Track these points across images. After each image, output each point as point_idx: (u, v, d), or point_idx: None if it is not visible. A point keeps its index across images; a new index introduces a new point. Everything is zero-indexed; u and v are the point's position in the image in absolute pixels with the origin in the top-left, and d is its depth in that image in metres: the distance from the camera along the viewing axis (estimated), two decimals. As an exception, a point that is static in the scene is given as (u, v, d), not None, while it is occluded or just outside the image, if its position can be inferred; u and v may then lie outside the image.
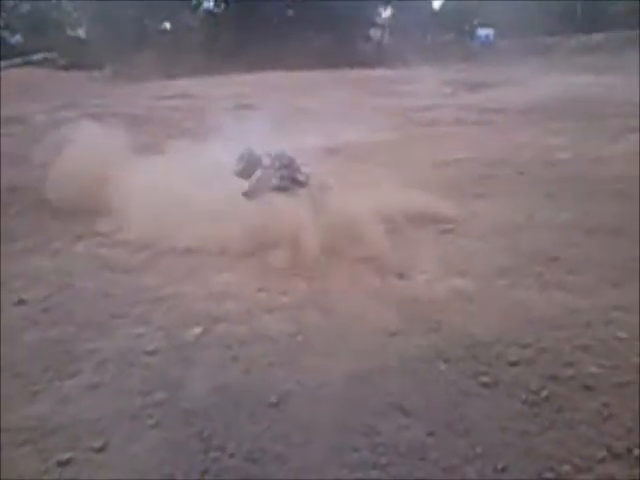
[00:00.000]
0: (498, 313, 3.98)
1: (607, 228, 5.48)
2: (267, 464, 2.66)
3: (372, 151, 9.46)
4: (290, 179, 5.67)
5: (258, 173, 5.63)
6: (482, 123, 12.14)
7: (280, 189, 5.53)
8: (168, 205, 5.61)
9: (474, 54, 32.70)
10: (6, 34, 36.92)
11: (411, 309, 4.09)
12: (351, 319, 4.00)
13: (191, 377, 3.39)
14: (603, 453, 2.61)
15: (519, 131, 10.91)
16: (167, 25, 39.89)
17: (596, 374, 3.21)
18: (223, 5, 38.11)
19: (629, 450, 2.62)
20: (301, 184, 5.69)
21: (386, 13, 40.61)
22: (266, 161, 5.71)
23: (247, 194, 5.51)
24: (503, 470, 2.55)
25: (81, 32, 39.58)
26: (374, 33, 40.23)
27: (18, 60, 30.41)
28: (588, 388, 3.09)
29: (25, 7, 38.28)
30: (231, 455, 2.72)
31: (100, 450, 2.79)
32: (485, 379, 3.21)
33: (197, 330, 3.93)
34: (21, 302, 4.50)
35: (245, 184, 5.61)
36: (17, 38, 37.43)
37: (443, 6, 43.18)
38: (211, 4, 38.59)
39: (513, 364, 3.35)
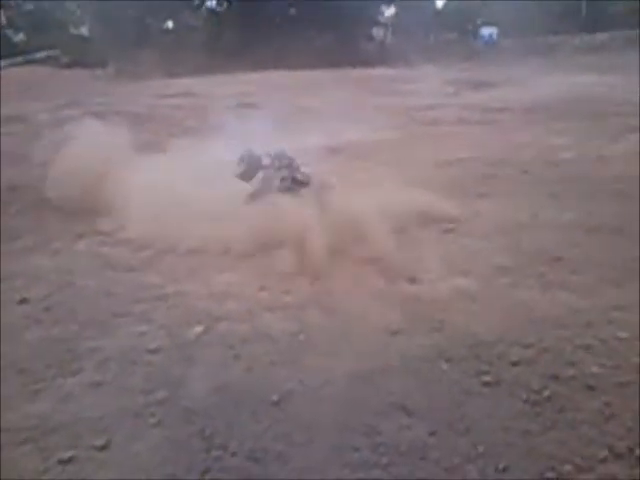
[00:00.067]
0: (500, 313, 3.98)
1: (610, 228, 5.47)
2: (269, 463, 2.66)
3: (375, 150, 9.45)
4: (291, 179, 5.68)
5: (260, 176, 5.63)
6: (485, 122, 12.13)
7: (282, 190, 5.53)
8: (170, 204, 5.60)
9: (477, 53, 32.67)
10: (9, 32, 36.94)
11: (413, 308, 4.09)
12: (353, 318, 4.00)
13: (193, 376, 3.39)
14: (605, 453, 2.61)
15: (522, 131, 10.89)
16: (170, 24, 39.92)
17: (598, 374, 3.21)
18: (226, 4, 38.12)
19: (631, 450, 2.61)
20: (302, 184, 5.69)
21: (389, 12, 40.62)
22: (266, 162, 5.72)
23: (251, 198, 5.51)
24: (505, 470, 2.55)
25: (84, 30, 39.60)
26: (377, 32, 40.20)
27: (21, 58, 30.43)
28: (590, 388, 3.09)
29: (28, 5, 38.30)
30: (233, 454, 2.72)
31: (102, 448, 2.79)
32: (487, 378, 3.21)
33: (199, 329, 3.93)
34: (23, 301, 4.51)
35: (246, 186, 5.62)
36: (20, 36, 37.46)
37: (446, 5, 43.15)
38: (214, 3, 38.63)
39: (515, 364, 3.35)
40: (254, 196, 5.53)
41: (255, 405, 3.07)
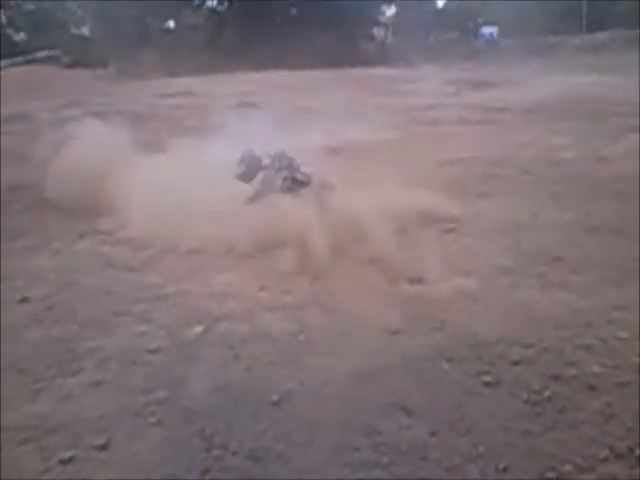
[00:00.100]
0: (501, 313, 3.98)
1: (610, 228, 5.47)
2: (269, 463, 2.66)
3: (375, 150, 9.45)
4: (291, 179, 5.68)
5: (260, 177, 5.63)
6: (485, 122, 12.12)
7: (283, 191, 5.53)
8: (170, 204, 5.60)
9: (477, 53, 32.64)
10: (10, 32, 36.95)
11: (414, 308, 4.09)
12: (353, 318, 4.00)
13: (193, 375, 3.39)
14: (605, 453, 2.60)
15: (522, 130, 10.89)
16: (171, 23, 39.94)
17: (598, 374, 3.20)
18: (226, 4, 38.13)
19: (631, 450, 2.61)
20: (303, 184, 5.69)
21: (389, 12, 40.63)
22: (266, 162, 5.72)
23: (252, 199, 5.51)
24: (505, 470, 2.55)
25: (85, 30, 39.61)
26: (377, 32, 40.19)
27: (22, 58, 30.42)
28: (590, 388, 3.08)
29: (29, 5, 38.30)
30: (233, 454, 2.72)
31: (102, 448, 2.79)
32: (488, 378, 3.21)
33: (199, 328, 3.93)
34: (24, 300, 4.52)
35: (247, 187, 5.61)
36: (21, 36, 37.46)
37: (447, 5, 43.17)
38: (214, 3, 38.63)
39: (516, 363, 3.35)
40: (255, 197, 5.52)
41: (255, 405, 3.07)
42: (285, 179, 5.67)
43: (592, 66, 21.37)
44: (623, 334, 3.59)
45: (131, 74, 26.74)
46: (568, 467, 2.53)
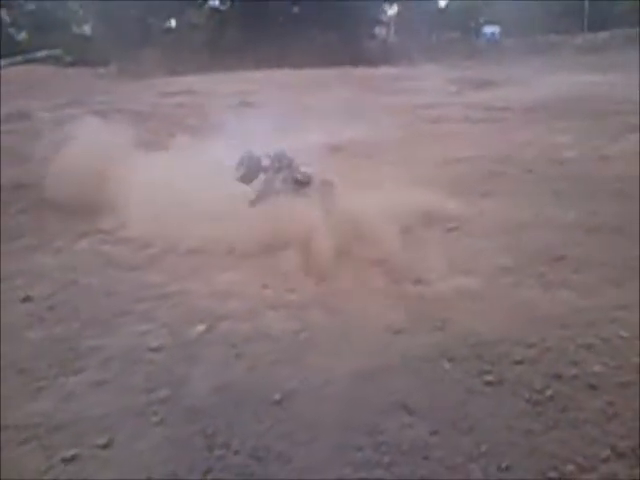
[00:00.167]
0: (503, 312, 3.98)
1: (612, 227, 5.46)
2: (271, 462, 2.66)
3: (378, 149, 9.43)
4: (292, 180, 5.67)
5: (261, 179, 5.63)
6: (488, 121, 12.09)
7: (284, 191, 5.53)
8: (172, 203, 5.60)
9: (479, 52, 32.57)
10: (12, 31, 36.94)
11: (416, 307, 4.09)
12: (355, 317, 4.00)
13: (195, 375, 3.40)
14: (607, 452, 2.60)
15: (525, 129, 10.86)
16: (172, 22, 39.89)
17: (600, 373, 3.21)
18: (228, 2, 38.08)
19: (633, 449, 2.61)
20: (303, 184, 5.68)
21: (392, 11, 40.57)
22: (266, 163, 5.71)
23: (255, 202, 5.50)
24: (507, 469, 2.55)
25: (86, 29, 39.58)
26: (379, 31, 40.15)
27: (23, 57, 30.42)
28: (592, 387, 3.08)
29: (31, 5, 38.30)
30: (235, 453, 2.72)
31: (105, 447, 2.80)
32: (489, 378, 3.21)
33: (201, 328, 3.94)
34: (26, 299, 4.52)
35: (248, 189, 5.61)
36: (23, 35, 37.45)
37: (449, 4, 43.08)
38: (216, 2, 38.57)
39: (517, 363, 3.35)
40: (257, 200, 5.51)
41: (257, 404, 3.08)
42: (285, 180, 5.67)
43: (594, 65, 21.31)
44: (625, 333, 3.59)
45: (132, 73, 26.70)
46: (570, 466, 2.54)
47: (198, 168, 6.17)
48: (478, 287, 4.39)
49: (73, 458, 2.72)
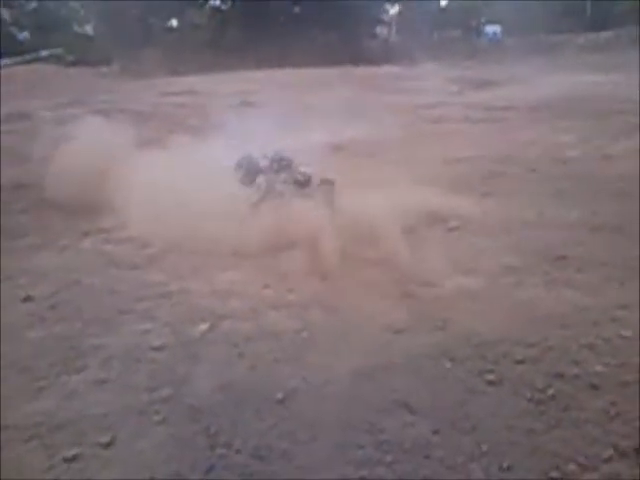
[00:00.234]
0: (504, 311, 3.98)
1: (615, 226, 5.46)
2: (273, 461, 2.67)
3: (379, 148, 9.42)
4: (292, 180, 5.68)
5: (262, 181, 5.63)
6: (490, 121, 12.08)
7: (285, 192, 5.53)
8: (173, 203, 5.59)
9: (481, 51, 32.55)
10: (14, 30, 36.97)
11: (417, 307, 4.09)
12: (357, 316, 4.00)
13: (197, 373, 3.40)
14: (609, 452, 2.60)
15: (527, 129, 10.86)
16: (174, 22, 39.90)
17: (602, 373, 3.20)
18: (230, 2, 38.10)
19: (635, 449, 2.61)
20: (303, 184, 5.69)
21: (393, 10, 40.55)
22: (265, 165, 5.71)
23: (256, 205, 5.50)
24: (509, 469, 2.55)
25: (88, 29, 39.61)
26: (380, 30, 40.15)
27: (26, 57, 30.45)
28: (594, 387, 3.08)
29: (33, 4, 38.34)
30: (237, 452, 2.73)
31: (107, 446, 2.80)
32: (491, 377, 3.21)
33: (203, 327, 3.94)
34: (28, 298, 4.52)
35: (249, 190, 5.61)
36: (25, 35, 37.49)
37: (450, 3, 43.01)
38: (217, 1, 38.58)
39: (519, 362, 3.35)
40: (258, 202, 5.51)
41: (259, 403, 3.08)
42: (285, 181, 5.67)
43: (596, 64, 21.31)
44: (627, 333, 3.59)
45: (134, 72, 26.73)
46: (572, 466, 2.54)
47: (199, 168, 6.16)
48: (480, 286, 4.39)
49: (75, 457, 2.73)
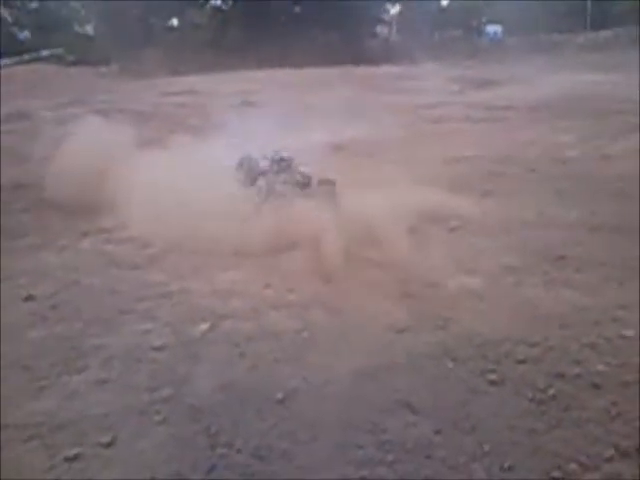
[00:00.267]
0: (506, 311, 3.97)
1: (614, 226, 5.45)
2: (274, 461, 2.66)
3: (380, 148, 9.42)
4: (293, 181, 5.68)
5: (262, 183, 5.63)
6: (491, 120, 12.08)
7: (286, 193, 5.53)
8: (174, 203, 5.59)
9: (482, 51, 32.53)
10: (14, 30, 36.99)
11: (419, 307, 4.08)
12: (358, 316, 4.00)
13: (198, 373, 3.40)
14: (611, 452, 2.60)
15: (527, 129, 10.85)
16: (174, 22, 39.91)
17: (603, 372, 3.20)
18: (230, 2, 38.10)
19: (637, 449, 2.61)
20: (303, 185, 5.69)
21: (393, 10, 40.54)
22: (265, 166, 5.71)
23: (258, 205, 5.49)
24: (510, 468, 2.54)
25: (89, 29, 39.62)
26: (381, 30, 40.14)
27: (26, 56, 30.48)
28: (595, 386, 3.08)
29: (33, 4, 38.35)
30: (238, 451, 2.72)
31: (108, 446, 2.80)
32: (492, 377, 3.21)
33: (204, 326, 3.94)
34: (29, 298, 4.52)
35: (250, 190, 5.61)
36: (25, 34, 37.50)
37: (451, 3, 42.99)
38: (218, 1, 38.58)
39: (520, 362, 3.34)
40: (260, 202, 5.50)
41: (260, 403, 3.08)
42: (286, 182, 5.67)
43: (597, 64, 21.29)
44: (628, 332, 3.59)
45: (134, 72, 26.73)
46: (573, 466, 2.53)
47: (200, 168, 6.16)
48: (480, 286, 4.39)
49: (76, 457, 2.72)
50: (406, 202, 5.68)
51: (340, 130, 10.66)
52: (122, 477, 2.61)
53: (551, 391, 3.05)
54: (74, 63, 31.06)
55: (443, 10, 42.09)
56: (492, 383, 3.16)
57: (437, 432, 2.79)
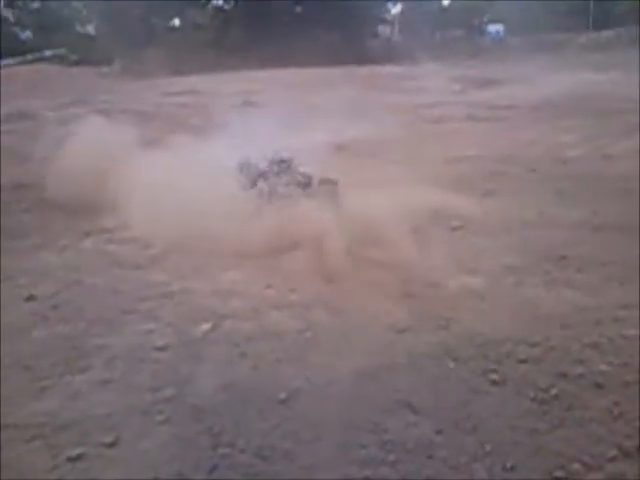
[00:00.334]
0: (507, 311, 3.97)
1: (615, 226, 5.45)
2: (276, 461, 2.66)
3: (382, 147, 9.43)
4: (293, 182, 5.68)
5: (263, 185, 5.63)
6: (492, 120, 12.09)
7: (287, 194, 5.54)
8: (175, 203, 5.59)
9: (483, 51, 32.52)
10: (16, 30, 37.03)
11: (420, 306, 4.08)
12: (359, 316, 4.00)
13: (200, 373, 3.40)
14: (613, 452, 2.60)
15: (529, 128, 10.86)
16: (176, 22, 39.94)
17: (605, 372, 3.20)
18: (232, 2, 38.11)
19: (639, 449, 2.61)
20: (304, 185, 5.69)
21: (395, 10, 40.56)
22: (265, 168, 5.71)
23: (259, 206, 5.49)
24: (512, 469, 2.54)
25: (90, 29, 39.67)
26: (383, 30, 40.14)
27: (28, 57, 30.52)
28: (598, 386, 3.08)
29: (35, 4, 38.40)
30: (240, 451, 2.72)
31: (111, 446, 2.80)
32: (494, 377, 3.21)
33: (206, 326, 3.94)
34: (31, 298, 4.52)
35: (251, 192, 5.62)
36: (27, 34, 37.54)
37: (452, 2, 42.99)
38: (220, 1, 38.60)
39: (522, 362, 3.34)
40: (261, 203, 5.51)
41: (262, 403, 3.08)
42: (287, 182, 5.67)
43: (598, 63, 21.28)
44: (630, 332, 3.58)
45: (136, 72, 26.76)
46: (576, 466, 2.53)
47: (202, 168, 6.16)
48: (482, 286, 4.39)
49: (79, 457, 2.72)
50: (408, 202, 5.68)
51: (342, 130, 10.66)
52: (125, 477, 2.61)
53: (553, 391, 3.04)
54: (76, 63, 31.12)
55: (445, 10, 42.10)
56: (493, 383, 3.16)
57: (438, 432, 2.79)
